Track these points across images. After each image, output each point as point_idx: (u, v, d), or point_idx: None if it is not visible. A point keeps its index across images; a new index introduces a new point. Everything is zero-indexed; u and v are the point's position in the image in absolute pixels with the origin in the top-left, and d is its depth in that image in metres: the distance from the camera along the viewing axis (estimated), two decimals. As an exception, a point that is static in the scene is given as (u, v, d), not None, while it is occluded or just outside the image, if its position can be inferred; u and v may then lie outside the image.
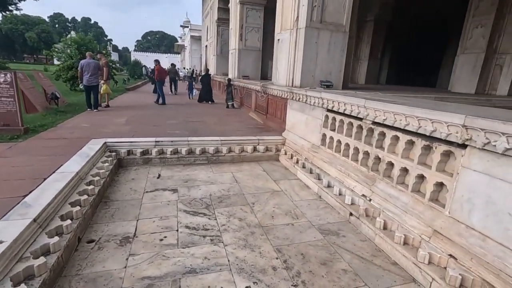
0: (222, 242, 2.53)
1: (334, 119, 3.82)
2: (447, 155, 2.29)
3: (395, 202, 2.68)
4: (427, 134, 2.35)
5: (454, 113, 2.12)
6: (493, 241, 1.90)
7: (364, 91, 4.94)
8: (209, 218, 2.94)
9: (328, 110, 3.92)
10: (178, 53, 56.66)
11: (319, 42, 4.97)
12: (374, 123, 3.05)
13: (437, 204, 2.33)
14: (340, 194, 3.30)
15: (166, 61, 49.06)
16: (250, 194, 3.58)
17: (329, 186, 3.54)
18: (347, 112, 3.46)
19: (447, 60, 14.36)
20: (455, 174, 2.17)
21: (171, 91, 14.00)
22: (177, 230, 2.68)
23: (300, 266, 2.27)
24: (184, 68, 31.08)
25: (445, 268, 2.09)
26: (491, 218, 1.92)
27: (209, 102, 10.52)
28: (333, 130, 3.83)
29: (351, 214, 3.01)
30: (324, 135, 4.07)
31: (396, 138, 2.77)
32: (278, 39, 5.77)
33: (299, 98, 4.70)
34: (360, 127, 3.31)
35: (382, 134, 2.96)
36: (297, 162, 4.43)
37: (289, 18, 5.23)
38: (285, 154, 4.91)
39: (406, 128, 2.57)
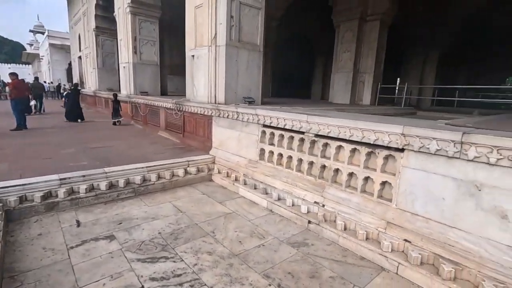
0: (206, 285, 2.22)
1: (272, 134, 4.01)
2: (387, 158, 2.80)
3: (348, 203, 3.05)
4: (371, 142, 2.82)
5: (394, 124, 2.63)
6: (435, 222, 2.45)
7: (280, 105, 5.40)
8: (174, 261, 2.52)
9: (265, 126, 4.08)
10: (29, 63, 45.77)
11: (239, 60, 5.12)
12: (316, 135, 3.39)
13: (385, 200, 2.81)
14: (293, 205, 3.47)
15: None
16: (204, 222, 3.28)
17: (279, 199, 3.67)
18: (287, 127, 3.70)
19: (315, 76, 17.43)
20: (397, 173, 2.68)
21: (38, 110, 11.22)
22: (143, 287, 2.17)
23: (295, 286, 2.26)
24: (45, 82, 25.39)
25: (403, 251, 2.54)
26: (430, 204, 2.47)
27: (78, 120, 9.14)
28: (273, 144, 4.01)
29: (309, 222, 3.21)
30: (262, 150, 4.20)
31: (340, 147, 3.18)
32: (193, 55, 5.59)
33: (228, 115, 4.69)
34: (302, 140, 3.60)
35: (326, 145, 3.33)
36: (236, 179, 4.38)
37: (205, 35, 5.17)
38: (219, 173, 4.77)
39: (351, 138, 2.99)
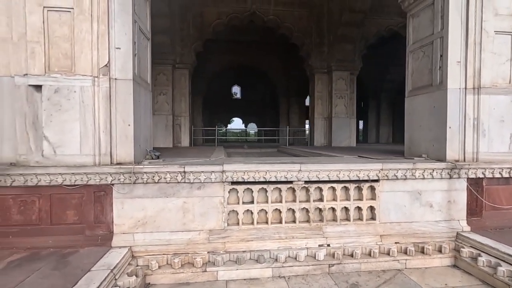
0: None
1: (247, 190, 3.50)
2: (368, 188, 3.74)
3: (348, 234, 3.60)
4: (360, 179, 3.63)
5: (374, 163, 3.65)
6: (403, 222, 3.74)
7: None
8: None
9: (235, 183, 3.45)
10: None
11: (141, 101, 3.72)
12: (306, 182, 3.58)
13: (371, 220, 3.72)
14: (305, 258, 3.35)
15: None
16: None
17: (286, 259, 3.32)
18: (272, 179, 3.49)
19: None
20: (377, 198, 3.71)
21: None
22: None
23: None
24: None
25: (397, 251, 3.58)
26: (398, 212, 3.75)
27: None
28: (251, 202, 3.50)
29: (330, 265, 3.35)
30: (232, 212, 3.48)
31: (331, 188, 3.65)
32: (38, 86, 3.16)
33: (159, 179, 3.30)
34: (289, 189, 3.58)
35: (317, 189, 3.63)
36: (204, 263, 3.21)
37: (83, 58, 3.21)
38: (160, 267, 3.15)
39: (342, 178, 3.60)
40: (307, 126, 17.98)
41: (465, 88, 3.88)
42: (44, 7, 3.13)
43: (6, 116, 3.23)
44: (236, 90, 23.16)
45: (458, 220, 3.83)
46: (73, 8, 3.19)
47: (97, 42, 3.25)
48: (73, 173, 3.16)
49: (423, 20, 4.39)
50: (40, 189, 3.17)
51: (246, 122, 22.93)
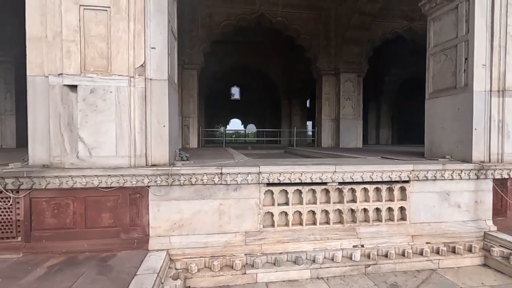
0: None
1: (283, 192, 3.49)
2: (399, 189, 3.77)
3: (381, 235, 3.62)
4: (392, 180, 3.66)
5: (406, 164, 3.69)
6: (433, 223, 3.79)
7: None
8: None
9: (271, 184, 3.44)
10: None
11: (173, 102, 3.68)
12: (340, 183, 3.60)
13: (402, 221, 3.75)
14: (341, 259, 3.36)
15: None
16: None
17: (323, 261, 3.32)
18: (307, 180, 3.49)
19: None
20: (408, 198, 3.75)
21: None
22: None
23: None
24: None
25: (429, 251, 3.62)
26: (428, 212, 3.79)
27: None
28: (286, 203, 3.49)
29: (367, 266, 3.37)
30: (268, 214, 3.46)
31: (364, 189, 3.67)
32: (72, 86, 3.09)
33: (196, 181, 3.26)
34: (324, 190, 3.59)
35: (350, 190, 3.65)
36: (243, 265, 3.19)
37: (119, 58, 3.15)
38: (199, 270, 3.11)
39: (375, 179, 3.63)
40: (308, 128, 18.10)
41: (490, 91, 3.97)
42: (80, 5, 3.07)
43: (39, 117, 3.14)
44: (234, 91, 23.13)
45: (485, 220, 3.91)
46: (109, 7, 3.13)
47: (133, 41, 3.20)
48: (109, 175, 3.09)
49: (445, 24, 4.47)
50: (75, 191, 3.09)
51: (245, 123, 22.91)
